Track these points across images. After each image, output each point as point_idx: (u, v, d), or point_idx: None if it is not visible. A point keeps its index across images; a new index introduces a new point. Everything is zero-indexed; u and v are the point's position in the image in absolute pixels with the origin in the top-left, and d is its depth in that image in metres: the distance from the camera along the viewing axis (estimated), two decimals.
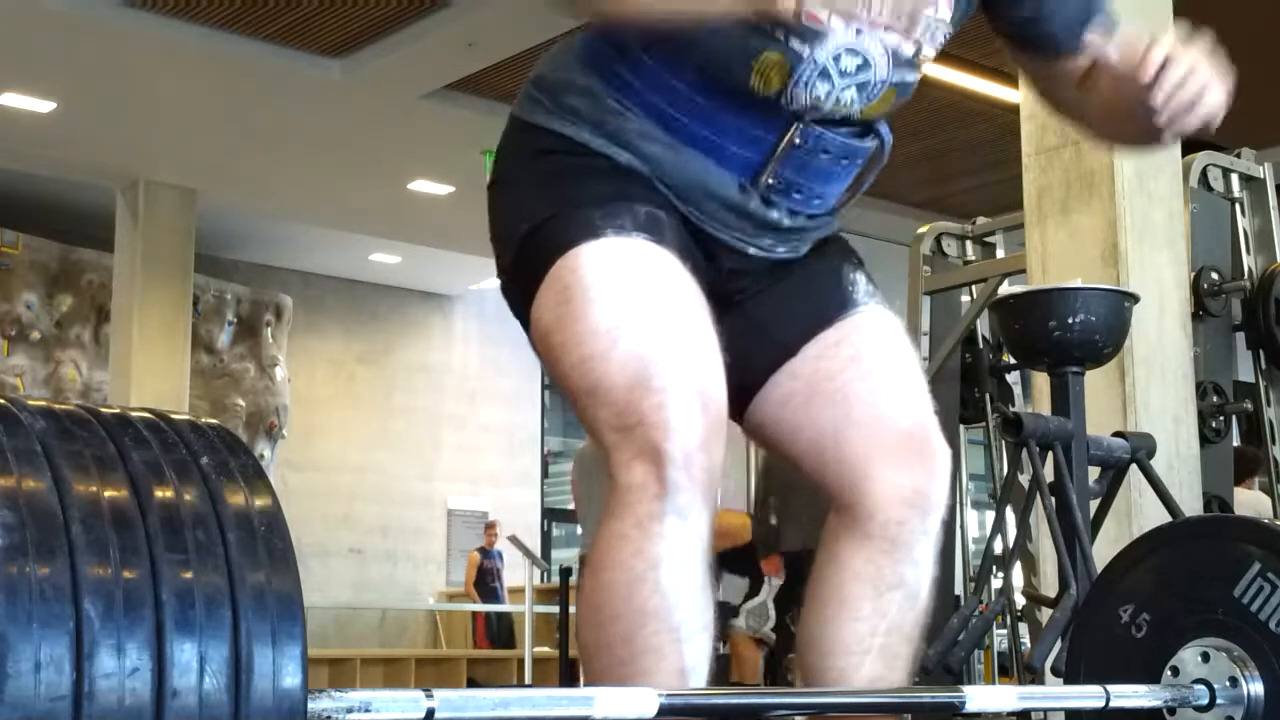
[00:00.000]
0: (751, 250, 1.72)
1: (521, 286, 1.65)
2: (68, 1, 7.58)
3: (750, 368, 1.70)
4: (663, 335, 1.55)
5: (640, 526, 1.51)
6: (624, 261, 1.59)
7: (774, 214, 1.71)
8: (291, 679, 0.92)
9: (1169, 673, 1.75)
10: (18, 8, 7.57)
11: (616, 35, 1.68)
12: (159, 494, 0.94)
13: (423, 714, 1.14)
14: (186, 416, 1.05)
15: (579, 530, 7.23)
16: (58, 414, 0.98)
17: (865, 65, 1.64)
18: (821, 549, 1.73)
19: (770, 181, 1.68)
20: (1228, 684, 1.70)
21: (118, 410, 1.02)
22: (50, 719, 0.84)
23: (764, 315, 1.74)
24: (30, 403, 0.99)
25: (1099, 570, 2.12)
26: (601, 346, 1.55)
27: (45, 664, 0.85)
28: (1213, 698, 1.70)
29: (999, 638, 5.98)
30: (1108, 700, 1.65)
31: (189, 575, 0.91)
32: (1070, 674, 1.91)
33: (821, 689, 1.64)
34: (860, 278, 1.78)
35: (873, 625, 1.66)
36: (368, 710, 1.10)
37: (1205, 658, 1.72)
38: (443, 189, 10.46)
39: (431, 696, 1.14)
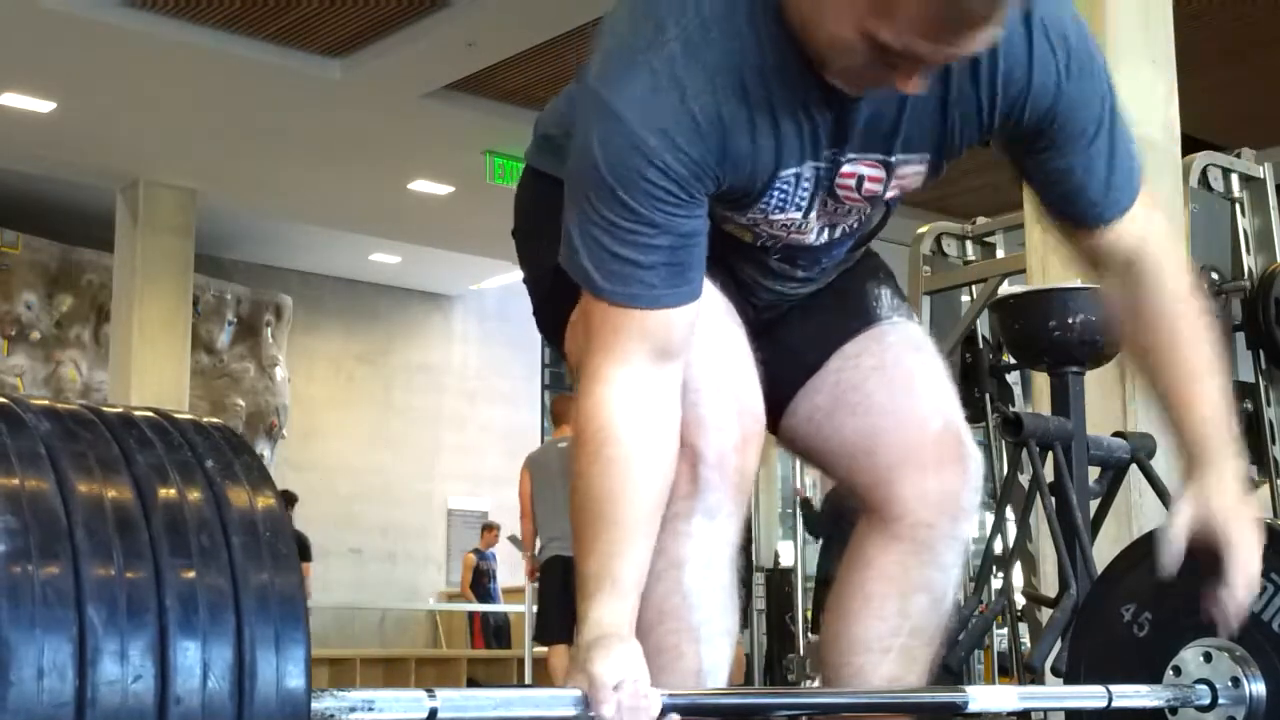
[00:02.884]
0: (778, 287, 1.73)
1: (556, 312, 1.63)
2: (67, 1, 7.58)
3: (779, 386, 1.71)
4: (701, 345, 1.54)
5: (665, 524, 1.50)
6: None
7: (787, 267, 1.71)
8: (295, 682, 0.92)
9: (1171, 673, 1.74)
10: (17, 8, 7.56)
11: None
12: (163, 496, 0.94)
13: (425, 714, 1.14)
14: (190, 416, 1.04)
15: (519, 533, 7.11)
16: (62, 415, 0.98)
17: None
18: (850, 552, 1.73)
19: (777, 258, 1.68)
20: (1230, 684, 1.69)
21: (122, 410, 1.01)
22: None
23: (792, 337, 1.75)
24: (34, 403, 0.98)
25: (1099, 570, 2.12)
26: None
27: (48, 670, 0.84)
28: (1215, 698, 1.70)
29: (999, 638, 5.97)
30: (1110, 700, 1.65)
31: (193, 579, 0.91)
32: (1071, 674, 1.91)
33: (823, 690, 1.64)
34: (885, 292, 1.79)
35: (895, 625, 1.67)
36: (371, 709, 1.10)
37: (1207, 658, 1.72)
38: (443, 189, 10.45)
39: (434, 696, 1.14)
